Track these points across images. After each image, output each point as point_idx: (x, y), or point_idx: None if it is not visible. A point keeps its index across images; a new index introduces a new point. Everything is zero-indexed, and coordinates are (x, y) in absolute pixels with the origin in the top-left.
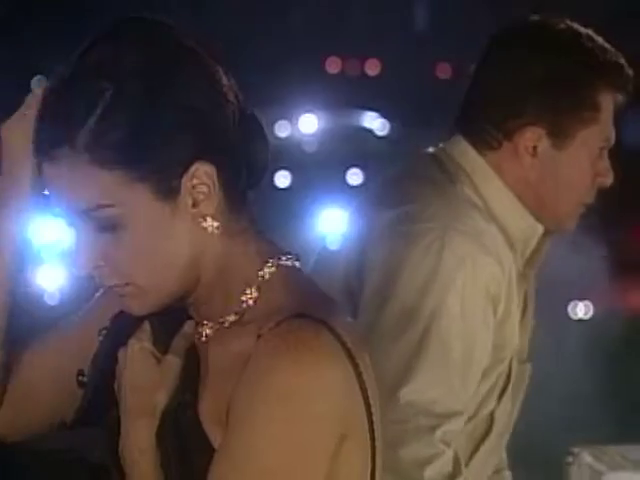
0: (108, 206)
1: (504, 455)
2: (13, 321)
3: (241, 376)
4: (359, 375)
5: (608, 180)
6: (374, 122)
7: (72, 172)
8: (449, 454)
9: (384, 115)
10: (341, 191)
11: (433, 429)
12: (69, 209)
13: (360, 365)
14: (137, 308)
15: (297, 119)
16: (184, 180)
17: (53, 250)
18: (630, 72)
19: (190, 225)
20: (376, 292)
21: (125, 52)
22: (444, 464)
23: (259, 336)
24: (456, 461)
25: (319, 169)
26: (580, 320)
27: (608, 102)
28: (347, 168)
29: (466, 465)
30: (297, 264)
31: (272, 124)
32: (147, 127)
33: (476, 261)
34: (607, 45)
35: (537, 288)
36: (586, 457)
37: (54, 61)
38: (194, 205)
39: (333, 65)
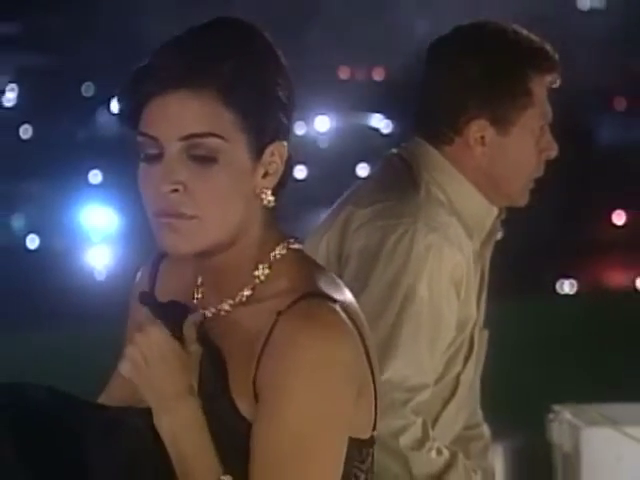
0: (219, 137)
1: (479, 411)
2: (67, 293)
3: (264, 348)
4: (364, 343)
5: (553, 153)
6: (380, 122)
7: (201, 100)
8: (418, 422)
9: (389, 116)
10: (351, 182)
11: (406, 402)
12: (179, 132)
13: (364, 334)
14: (189, 246)
15: (312, 120)
16: (267, 150)
17: (101, 232)
18: (555, 55)
19: (251, 192)
20: (354, 279)
21: (247, 35)
22: (415, 432)
23: (279, 313)
24: (424, 427)
25: (331, 163)
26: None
27: (540, 85)
28: (356, 162)
29: (435, 422)
30: (302, 247)
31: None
32: (265, 89)
33: (442, 251)
34: (532, 35)
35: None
36: (566, 414)
37: (101, 68)
38: (264, 176)
39: (344, 72)
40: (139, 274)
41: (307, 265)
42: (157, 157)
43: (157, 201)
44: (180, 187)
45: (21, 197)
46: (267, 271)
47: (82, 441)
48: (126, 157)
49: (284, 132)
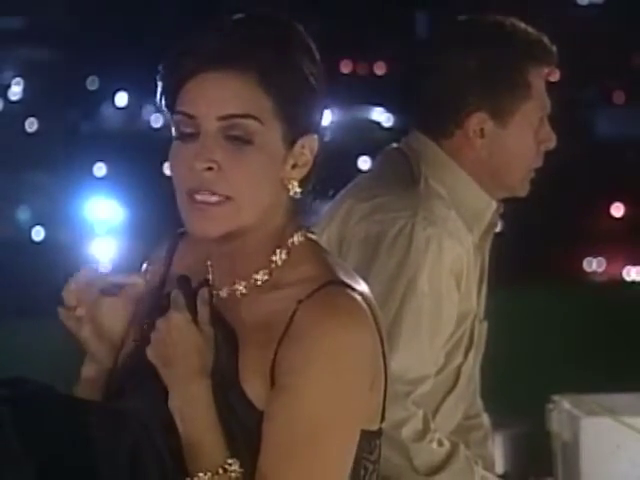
0: (256, 119)
1: (479, 401)
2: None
3: (284, 335)
4: (379, 331)
5: (551, 143)
6: (381, 116)
7: (242, 82)
8: (419, 414)
9: (389, 109)
10: (353, 175)
11: (407, 394)
12: (218, 111)
13: (379, 323)
14: (217, 229)
15: (315, 107)
16: (299, 142)
17: (106, 225)
18: (553, 47)
19: (280, 180)
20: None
21: (284, 27)
22: (416, 423)
23: (300, 301)
24: (425, 419)
25: (333, 156)
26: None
27: (538, 77)
28: (358, 155)
29: (435, 413)
30: (317, 238)
31: None
32: (301, 79)
33: (441, 244)
34: (530, 28)
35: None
36: (565, 404)
37: (106, 62)
38: (293, 167)
39: (346, 66)
40: (146, 264)
41: (325, 254)
42: (192, 136)
43: (189, 179)
44: (215, 166)
45: (27, 190)
46: (285, 256)
47: (85, 434)
48: (130, 150)
49: (316, 125)
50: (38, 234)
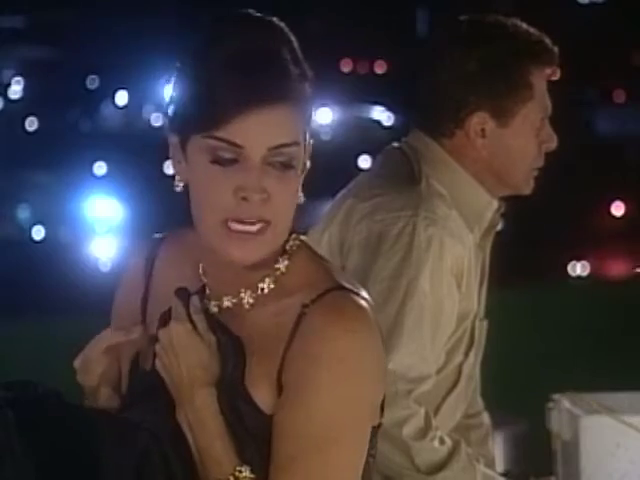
0: (298, 145)
1: (479, 399)
2: (71, 284)
3: (290, 341)
4: (381, 332)
5: (552, 144)
6: (381, 114)
7: (287, 112)
8: (421, 412)
9: (390, 108)
10: (353, 174)
11: (409, 392)
12: (269, 142)
13: (378, 325)
14: (256, 255)
15: (315, 112)
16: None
17: (105, 224)
18: (554, 48)
19: None
20: (356, 272)
21: (288, 36)
22: (418, 421)
23: (305, 306)
24: (427, 417)
25: (334, 155)
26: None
27: (539, 78)
28: (358, 154)
29: (436, 411)
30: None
31: None
32: (311, 90)
33: (442, 243)
34: (531, 29)
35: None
36: (565, 403)
37: (106, 61)
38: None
39: (346, 65)
40: (130, 263)
41: (319, 257)
42: (231, 161)
43: (230, 207)
44: (265, 195)
45: (27, 189)
46: (287, 262)
47: (91, 443)
48: (130, 149)
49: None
50: (38, 233)
